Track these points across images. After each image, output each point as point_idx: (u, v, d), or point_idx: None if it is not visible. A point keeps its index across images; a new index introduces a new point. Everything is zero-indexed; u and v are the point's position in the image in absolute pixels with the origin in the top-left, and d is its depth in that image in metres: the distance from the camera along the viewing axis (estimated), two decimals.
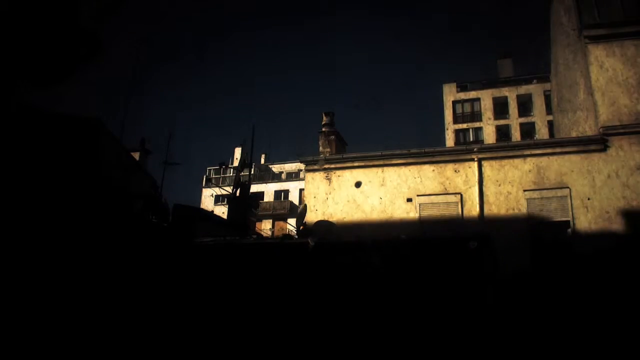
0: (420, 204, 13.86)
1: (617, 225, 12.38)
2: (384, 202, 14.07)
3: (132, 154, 15.46)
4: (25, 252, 7.39)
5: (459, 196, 13.74)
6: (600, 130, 13.51)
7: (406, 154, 14.66)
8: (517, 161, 13.79)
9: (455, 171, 14.09)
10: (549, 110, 36.57)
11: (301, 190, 41.69)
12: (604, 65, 14.16)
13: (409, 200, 13.95)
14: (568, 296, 11.49)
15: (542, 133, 41.97)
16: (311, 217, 14.36)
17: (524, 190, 13.32)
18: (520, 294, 11.37)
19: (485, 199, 13.44)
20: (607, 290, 11.32)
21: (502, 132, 44.12)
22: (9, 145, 6.96)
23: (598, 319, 11.02)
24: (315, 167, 15.15)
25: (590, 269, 11.79)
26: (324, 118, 16.76)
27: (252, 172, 32.67)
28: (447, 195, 13.85)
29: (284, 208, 46.58)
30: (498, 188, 13.49)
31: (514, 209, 13.12)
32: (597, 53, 14.33)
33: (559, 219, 13.00)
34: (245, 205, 13.34)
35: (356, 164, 14.99)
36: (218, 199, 47.75)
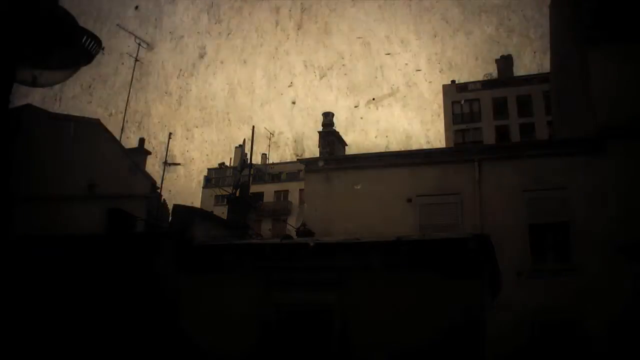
0: (420, 205, 13.83)
1: (617, 225, 12.32)
2: (383, 203, 14.01)
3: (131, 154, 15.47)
4: None
5: (458, 196, 13.72)
6: (599, 131, 13.46)
7: (406, 154, 14.66)
8: (516, 162, 13.78)
9: (455, 172, 14.07)
10: (548, 110, 36.53)
11: (301, 190, 41.62)
12: (604, 67, 14.13)
13: (409, 200, 13.90)
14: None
15: (541, 134, 41.93)
16: (311, 217, 14.34)
17: (524, 191, 13.29)
18: (521, 294, 11.38)
19: (484, 199, 13.41)
20: None
21: (502, 133, 44.07)
22: None
23: None
24: (315, 167, 15.14)
25: None
26: (324, 118, 16.76)
27: (252, 173, 32.61)
28: (447, 196, 13.84)
29: (284, 208, 46.54)
30: (497, 188, 13.46)
31: (513, 210, 13.08)
32: (597, 55, 14.29)
33: (559, 220, 12.98)
34: (245, 206, 13.32)
35: (356, 164, 14.98)
36: (218, 199, 47.68)
